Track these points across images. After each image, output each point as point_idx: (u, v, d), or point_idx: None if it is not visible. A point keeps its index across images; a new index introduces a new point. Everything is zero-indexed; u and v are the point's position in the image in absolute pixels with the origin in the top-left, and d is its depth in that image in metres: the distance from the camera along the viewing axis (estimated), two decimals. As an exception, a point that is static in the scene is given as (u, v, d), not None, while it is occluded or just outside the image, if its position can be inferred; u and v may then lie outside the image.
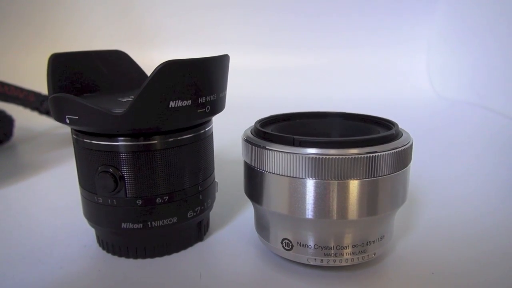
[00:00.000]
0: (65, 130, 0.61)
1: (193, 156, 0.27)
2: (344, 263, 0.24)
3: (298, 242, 0.25)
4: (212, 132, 0.29)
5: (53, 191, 0.40)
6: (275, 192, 0.24)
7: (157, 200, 0.26)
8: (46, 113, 0.57)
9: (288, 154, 0.22)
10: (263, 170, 0.24)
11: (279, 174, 0.23)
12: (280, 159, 0.23)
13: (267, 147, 0.23)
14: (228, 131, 0.52)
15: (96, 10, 1.24)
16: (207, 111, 0.26)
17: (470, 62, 0.85)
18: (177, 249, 0.28)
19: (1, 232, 0.32)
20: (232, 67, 0.29)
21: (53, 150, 0.54)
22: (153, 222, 0.26)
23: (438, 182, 0.42)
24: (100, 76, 0.30)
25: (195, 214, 0.28)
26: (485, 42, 0.81)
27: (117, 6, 1.23)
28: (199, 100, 0.25)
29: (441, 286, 0.25)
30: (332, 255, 0.24)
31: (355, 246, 0.24)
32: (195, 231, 0.29)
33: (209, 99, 0.25)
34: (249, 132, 0.27)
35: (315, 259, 0.24)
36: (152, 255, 0.28)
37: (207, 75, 0.25)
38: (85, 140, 0.25)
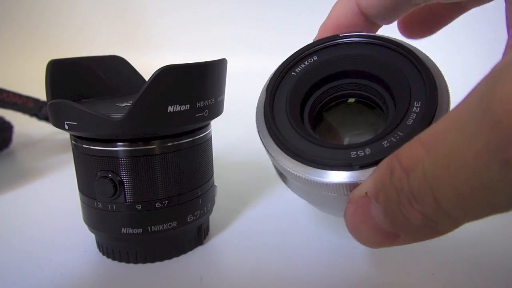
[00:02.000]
0: (64, 136, 0.61)
1: (192, 160, 0.27)
2: None
3: None
4: (211, 136, 0.29)
5: (53, 197, 0.40)
6: None
7: (156, 204, 0.26)
8: (45, 119, 0.57)
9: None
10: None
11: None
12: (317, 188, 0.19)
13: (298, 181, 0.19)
14: (227, 135, 0.52)
15: (94, 16, 1.24)
16: (205, 115, 0.26)
17: (470, 64, 0.86)
18: (177, 253, 0.28)
19: (0, 238, 0.32)
20: (230, 71, 0.29)
21: (52, 156, 0.54)
22: (152, 227, 0.26)
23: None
24: (99, 82, 0.30)
25: (194, 218, 0.28)
26: (485, 43, 0.81)
27: (115, 12, 1.23)
28: (197, 105, 0.25)
29: (441, 287, 0.25)
30: None
31: None
32: (195, 235, 0.29)
33: (207, 103, 0.26)
34: (263, 125, 0.22)
35: None
36: (152, 260, 0.28)
37: (205, 80, 0.25)
38: (84, 145, 0.25)
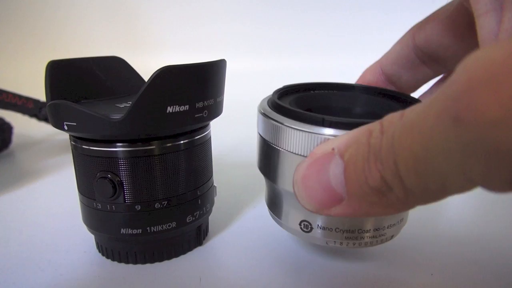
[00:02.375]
0: (64, 136, 0.61)
1: (192, 161, 0.27)
2: (363, 246, 0.24)
3: (318, 225, 0.23)
4: (210, 137, 0.29)
5: (52, 197, 0.40)
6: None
7: (156, 205, 0.26)
8: (45, 120, 0.58)
9: (314, 135, 0.20)
10: (281, 148, 0.22)
11: (299, 155, 0.21)
12: (304, 139, 0.21)
13: (288, 125, 0.21)
14: (226, 135, 0.52)
15: (93, 17, 1.24)
16: (204, 116, 0.26)
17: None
18: (177, 254, 0.28)
19: (0, 239, 0.32)
20: (229, 71, 0.29)
21: (52, 156, 0.54)
22: (152, 227, 0.26)
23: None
24: (98, 83, 0.30)
25: (194, 218, 0.28)
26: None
27: (115, 13, 1.23)
28: (197, 105, 0.25)
29: (440, 287, 0.25)
30: (353, 238, 0.23)
31: (376, 229, 0.23)
32: (194, 235, 0.29)
33: (206, 104, 0.26)
34: (266, 104, 0.25)
35: (335, 241, 0.23)
36: (152, 260, 0.28)
37: (204, 80, 0.25)
38: (84, 146, 0.25)
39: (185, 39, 1.17)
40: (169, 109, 0.23)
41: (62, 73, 0.28)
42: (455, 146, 0.11)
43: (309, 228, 0.24)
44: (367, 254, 0.28)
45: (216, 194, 0.31)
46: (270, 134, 0.23)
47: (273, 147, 0.23)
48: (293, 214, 0.24)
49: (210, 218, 0.32)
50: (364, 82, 0.28)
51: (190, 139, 0.26)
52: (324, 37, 1.04)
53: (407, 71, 0.27)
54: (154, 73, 0.22)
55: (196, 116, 0.25)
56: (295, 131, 0.21)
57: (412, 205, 0.14)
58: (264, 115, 0.24)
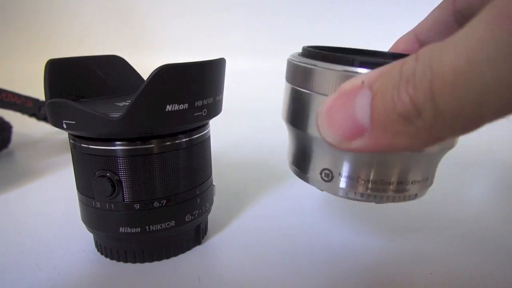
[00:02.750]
0: (63, 135, 0.61)
1: (191, 159, 0.27)
2: (385, 201, 0.22)
3: (339, 173, 0.22)
4: (210, 136, 0.29)
5: (51, 196, 0.40)
6: None
7: (154, 204, 0.26)
8: (44, 119, 0.57)
9: (346, 74, 0.20)
10: (312, 91, 0.22)
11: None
12: (335, 79, 0.20)
13: (319, 66, 0.21)
14: (225, 134, 0.52)
15: (93, 16, 1.24)
16: (204, 114, 0.26)
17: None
18: (176, 253, 0.28)
19: (-1, 238, 0.32)
20: (228, 70, 0.29)
21: (51, 155, 0.54)
22: (151, 226, 0.26)
23: (435, 183, 0.42)
24: (97, 81, 0.30)
25: (193, 217, 0.28)
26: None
27: (114, 12, 1.23)
28: (196, 104, 0.25)
29: (439, 287, 0.25)
30: (376, 190, 0.22)
31: (400, 183, 0.22)
32: (193, 234, 0.29)
33: (205, 103, 0.26)
34: (295, 54, 0.25)
35: (355, 193, 0.22)
36: (150, 259, 0.28)
37: (204, 79, 0.25)
38: (82, 145, 0.25)
39: (184, 37, 1.17)
40: (168, 108, 0.23)
41: (61, 72, 0.28)
42: (509, 51, 0.10)
43: (330, 177, 0.23)
44: (365, 254, 0.28)
45: (215, 193, 0.31)
46: (300, 79, 0.23)
47: (303, 92, 0.23)
48: (315, 163, 0.23)
49: (209, 217, 0.32)
50: (397, 51, 0.27)
51: (189, 138, 0.26)
52: (325, 36, 1.04)
53: (445, 37, 0.26)
54: (153, 71, 0.22)
55: (195, 114, 0.25)
56: (326, 71, 0.21)
57: (439, 135, 0.13)
58: (294, 61, 0.23)
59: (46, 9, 1.24)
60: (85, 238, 0.30)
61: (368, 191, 0.22)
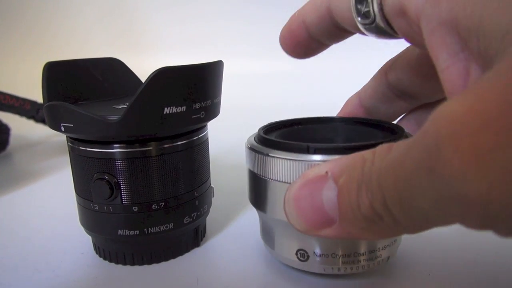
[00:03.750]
0: (61, 138, 0.61)
1: (189, 162, 0.27)
2: (360, 270, 0.24)
3: (314, 252, 0.24)
4: (208, 138, 0.29)
5: (50, 199, 0.40)
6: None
7: (153, 206, 0.26)
8: (42, 121, 0.57)
9: (300, 162, 0.21)
10: (269, 179, 0.23)
11: (288, 183, 0.22)
12: (291, 168, 0.22)
13: (274, 155, 0.22)
14: (223, 136, 0.52)
15: (90, 18, 1.24)
16: (202, 116, 0.26)
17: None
18: (174, 255, 0.28)
19: (-3, 241, 0.32)
20: (226, 73, 0.29)
21: (49, 158, 0.54)
22: (149, 229, 0.26)
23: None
24: (95, 84, 0.30)
25: (191, 219, 0.28)
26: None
27: (112, 14, 1.23)
28: (194, 106, 0.25)
29: (437, 287, 0.25)
30: (350, 262, 0.23)
31: (371, 251, 0.24)
32: (192, 236, 0.29)
33: (203, 105, 0.26)
34: (253, 139, 0.26)
35: (332, 268, 0.24)
36: (149, 262, 0.28)
37: (201, 81, 0.25)
38: (81, 147, 0.25)
39: (182, 40, 1.17)
40: (166, 110, 0.24)
41: (59, 75, 0.28)
42: (431, 193, 0.12)
43: (306, 257, 0.24)
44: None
45: (213, 195, 0.31)
46: (258, 166, 0.24)
47: (262, 178, 0.24)
48: (288, 244, 0.25)
49: (208, 219, 0.32)
50: (345, 115, 0.29)
51: (187, 140, 0.26)
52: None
53: (384, 104, 0.27)
54: (151, 74, 0.22)
55: (193, 117, 0.25)
56: (282, 160, 0.22)
57: (401, 233, 0.14)
58: (251, 149, 0.24)
59: (44, 12, 1.24)
60: (84, 240, 0.30)
61: (343, 264, 0.23)
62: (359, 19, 0.20)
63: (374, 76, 0.27)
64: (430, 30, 0.16)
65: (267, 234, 0.26)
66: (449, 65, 0.16)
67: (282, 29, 0.25)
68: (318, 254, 0.24)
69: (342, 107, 0.29)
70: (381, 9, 0.18)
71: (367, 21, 0.19)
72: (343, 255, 0.23)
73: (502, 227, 0.12)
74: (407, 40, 0.19)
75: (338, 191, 0.15)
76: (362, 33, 0.21)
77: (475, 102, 0.11)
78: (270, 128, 0.28)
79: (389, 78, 0.26)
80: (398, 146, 0.14)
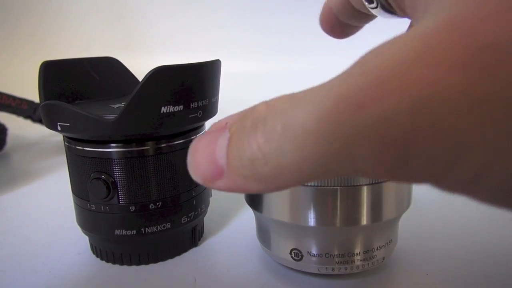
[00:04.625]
0: (59, 138, 0.60)
1: (186, 161, 0.27)
2: (355, 270, 0.24)
3: (308, 252, 0.24)
4: (205, 137, 0.29)
5: (46, 199, 0.40)
6: (288, 201, 0.23)
7: (150, 206, 0.26)
8: (39, 121, 0.57)
9: None
10: None
11: None
12: None
13: None
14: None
15: (87, 18, 1.24)
16: (199, 116, 0.26)
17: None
18: (172, 255, 0.28)
19: (-7, 241, 0.32)
20: (224, 72, 0.29)
21: (46, 158, 0.54)
22: (146, 228, 0.26)
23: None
24: (92, 83, 0.30)
25: (189, 219, 0.28)
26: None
27: (109, 14, 1.23)
28: (191, 105, 0.25)
29: (435, 287, 0.25)
30: (344, 262, 0.24)
31: (366, 251, 0.24)
32: (190, 236, 0.29)
33: (201, 104, 0.26)
34: None
35: (326, 268, 0.24)
36: (146, 262, 0.27)
37: (199, 80, 0.25)
38: (77, 147, 0.25)
39: (180, 39, 1.17)
40: (164, 110, 0.23)
41: (55, 74, 0.28)
42: (350, 130, 0.11)
43: (300, 256, 0.24)
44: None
45: (211, 195, 0.31)
46: None
47: None
48: (283, 243, 0.25)
49: (205, 219, 0.32)
50: (322, 20, 0.27)
51: (184, 140, 0.26)
52: (320, 38, 1.04)
53: (344, 14, 0.26)
54: (148, 73, 0.22)
55: (190, 116, 0.25)
56: None
57: (285, 183, 0.13)
58: None
59: (41, 11, 1.24)
60: (81, 240, 0.30)
61: (338, 264, 0.24)
62: (366, 3, 0.20)
63: None
64: (409, 3, 0.16)
65: (263, 234, 0.26)
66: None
67: (319, 16, 0.26)
68: (312, 254, 0.24)
69: (320, 12, 0.28)
70: None
71: (373, 5, 0.20)
72: (338, 255, 0.23)
73: (416, 171, 0.11)
74: (405, 15, 0.19)
75: (229, 138, 0.14)
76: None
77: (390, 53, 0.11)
78: None
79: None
80: (308, 91, 0.13)
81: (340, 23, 0.25)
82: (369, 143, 0.11)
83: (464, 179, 0.10)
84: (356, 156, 0.11)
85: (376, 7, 0.20)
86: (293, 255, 0.24)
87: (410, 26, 0.21)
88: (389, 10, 0.20)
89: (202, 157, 0.15)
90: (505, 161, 0.10)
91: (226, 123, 0.15)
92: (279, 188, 0.14)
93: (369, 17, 0.24)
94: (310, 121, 0.12)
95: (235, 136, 0.14)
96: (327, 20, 0.26)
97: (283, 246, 0.25)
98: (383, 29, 0.26)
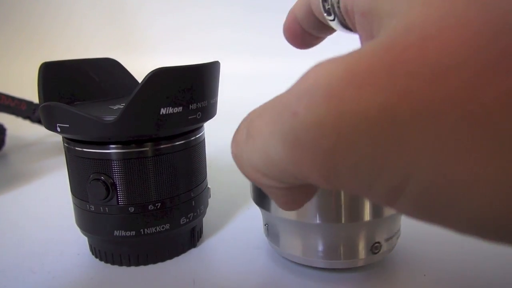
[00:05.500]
0: (57, 138, 0.60)
1: (185, 162, 0.27)
2: (361, 263, 0.25)
3: (314, 247, 0.25)
4: (204, 138, 0.29)
5: (46, 199, 0.40)
6: None
7: (149, 207, 0.26)
8: (38, 121, 0.57)
9: None
10: None
11: None
12: None
13: None
14: (220, 137, 0.52)
15: (87, 18, 1.24)
16: (198, 117, 0.26)
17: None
18: (171, 256, 0.28)
19: (-8, 242, 0.32)
20: (223, 73, 0.29)
21: (45, 158, 0.54)
22: (145, 229, 0.26)
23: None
24: (91, 84, 0.30)
25: (188, 220, 0.28)
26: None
27: (108, 15, 1.23)
28: (190, 107, 0.25)
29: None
30: (348, 257, 0.25)
31: (369, 246, 0.25)
32: (188, 237, 0.29)
33: (200, 106, 0.26)
34: None
35: (332, 262, 0.25)
36: (145, 262, 0.28)
37: (198, 82, 0.25)
38: (77, 148, 0.25)
39: (179, 40, 1.17)
40: (163, 111, 0.23)
41: (55, 75, 0.28)
42: (289, 137, 0.12)
43: (310, 252, 0.25)
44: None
45: (210, 196, 0.31)
46: None
47: None
48: (293, 241, 0.26)
49: (204, 219, 0.32)
50: (285, 28, 0.27)
51: (184, 141, 0.26)
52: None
53: (308, 23, 0.26)
54: (147, 74, 0.22)
55: (189, 117, 0.25)
56: None
57: (264, 184, 0.15)
58: None
59: (41, 12, 1.24)
60: (80, 241, 0.30)
61: (344, 256, 0.25)
62: (325, 15, 0.21)
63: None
64: (357, 22, 0.17)
65: (272, 232, 0.27)
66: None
67: (283, 24, 0.26)
68: (319, 250, 0.25)
69: (285, 21, 0.28)
70: (338, 6, 0.20)
71: (331, 18, 0.21)
72: (343, 249, 0.25)
73: (344, 181, 0.12)
74: (358, 33, 0.20)
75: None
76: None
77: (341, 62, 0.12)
78: None
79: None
80: (272, 100, 0.14)
81: (303, 32, 0.25)
82: (304, 148, 0.12)
83: (386, 192, 0.11)
84: (298, 159, 0.12)
85: (333, 20, 0.21)
86: (301, 251, 0.25)
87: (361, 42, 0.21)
88: (346, 26, 0.21)
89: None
90: (419, 177, 0.10)
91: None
92: (270, 189, 0.16)
93: (330, 29, 0.25)
94: (264, 125, 0.13)
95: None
96: (291, 30, 0.26)
97: (293, 243, 0.26)
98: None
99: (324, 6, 0.21)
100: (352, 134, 0.10)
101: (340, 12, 0.20)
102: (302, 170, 0.12)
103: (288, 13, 0.26)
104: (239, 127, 0.16)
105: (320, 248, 0.25)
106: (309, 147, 0.11)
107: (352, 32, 0.21)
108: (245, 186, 0.41)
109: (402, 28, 0.11)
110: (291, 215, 0.24)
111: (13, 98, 0.57)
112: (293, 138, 0.12)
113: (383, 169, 0.10)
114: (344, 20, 0.20)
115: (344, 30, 0.22)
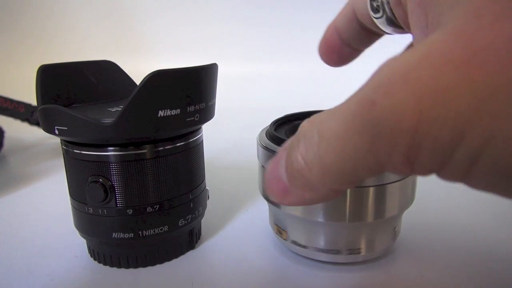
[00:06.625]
0: (56, 140, 0.60)
1: (184, 164, 0.27)
2: (361, 259, 0.27)
3: (319, 243, 0.26)
4: (202, 140, 0.29)
5: (44, 202, 0.40)
6: None
7: (147, 209, 0.26)
8: (36, 124, 0.57)
9: None
10: None
11: None
12: None
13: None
14: (218, 139, 0.52)
15: (85, 21, 1.24)
16: (196, 119, 0.26)
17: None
18: (169, 258, 0.28)
19: (-9, 245, 0.32)
20: (221, 75, 0.29)
21: (43, 161, 0.54)
22: (144, 231, 0.26)
23: (429, 184, 0.42)
24: (90, 87, 0.30)
25: (186, 222, 0.28)
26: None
27: (106, 17, 1.23)
28: (188, 109, 0.25)
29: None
30: (350, 253, 0.26)
31: (370, 243, 0.26)
32: (187, 239, 0.29)
33: (198, 108, 0.26)
34: (264, 135, 0.28)
35: (335, 256, 0.26)
36: (144, 264, 0.28)
37: (196, 84, 0.25)
38: (75, 150, 0.25)
39: (177, 43, 1.17)
40: (161, 113, 0.24)
41: (53, 77, 0.28)
42: (368, 127, 0.12)
43: (315, 247, 0.27)
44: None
45: (208, 198, 0.31)
46: (266, 160, 0.26)
47: None
48: (299, 235, 0.27)
49: (203, 221, 0.32)
50: (322, 44, 0.28)
51: (182, 143, 0.26)
52: (318, 40, 1.04)
53: (353, 33, 0.26)
54: (146, 77, 0.23)
55: (187, 119, 0.25)
56: None
57: (332, 186, 0.15)
58: (263, 146, 0.27)
59: (39, 15, 1.24)
60: (78, 243, 0.30)
61: (347, 255, 0.26)
62: (372, 13, 0.21)
63: (343, 10, 0.26)
64: (410, 11, 0.17)
65: (280, 226, 0.28)
66: (418, 41, 0.17)
67: (320, 39, 0.27)
68: (321, 245, 0.26)
69: (323, 35, 0.28)
70: (388, 1, 0.20)
71: (379, 15, 0.21)
72: (347, 249, 0.26)
73: (425, 157, 0.12)
74: (407, 29, 0.20)
75: (286, 156, 0.16)
76: (383, 32, 0.23)
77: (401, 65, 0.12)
78: (281, 122, 0.30)
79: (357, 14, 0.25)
80: (340, 105, 0.14)
81: (341, 45, 0.26)
82: (385, 134, 0.12)
83: (464, 160, 0.11)
84: (378, 147, 0.12)
85: (381, 17, 0.21)
86: (304, 245, 0.27)
87: (410, 44, 0.21)
88: (393, 23, 0.21)
89: (271, 178, 0.17)
90: (495, 145, 0.11)
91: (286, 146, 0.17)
92: (330, 194, 0.15)
93: (372, 37, 0.25)
94: (338, 124, 0.13)
95: (287, 153, 0.16)
96: (329, 43, 0.26)
97: (299, 238, 0.27)
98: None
99: (372, 5, 0.21)
100: (435, 109, 0.11)
101: (390, 7, 0.20)
102: (381, 157, 0.13)
103: (327, 27, 0.26)
104: (298, 136, 0.15)
105: (323, 243, 0.26)
106: (391, 131, 0.12)
107: (399, 32, 0.21)
108: (244, 187, 0.41)
109: (471, 14, 0.12)
110: (298, 212, 0.26)
111: (11, 101, 0.57)
112: (373, 126, 0.12)
113: (465, 134, 0.11)
114: (393, 15, 0.20)
115: (390, 28, 0.22)
